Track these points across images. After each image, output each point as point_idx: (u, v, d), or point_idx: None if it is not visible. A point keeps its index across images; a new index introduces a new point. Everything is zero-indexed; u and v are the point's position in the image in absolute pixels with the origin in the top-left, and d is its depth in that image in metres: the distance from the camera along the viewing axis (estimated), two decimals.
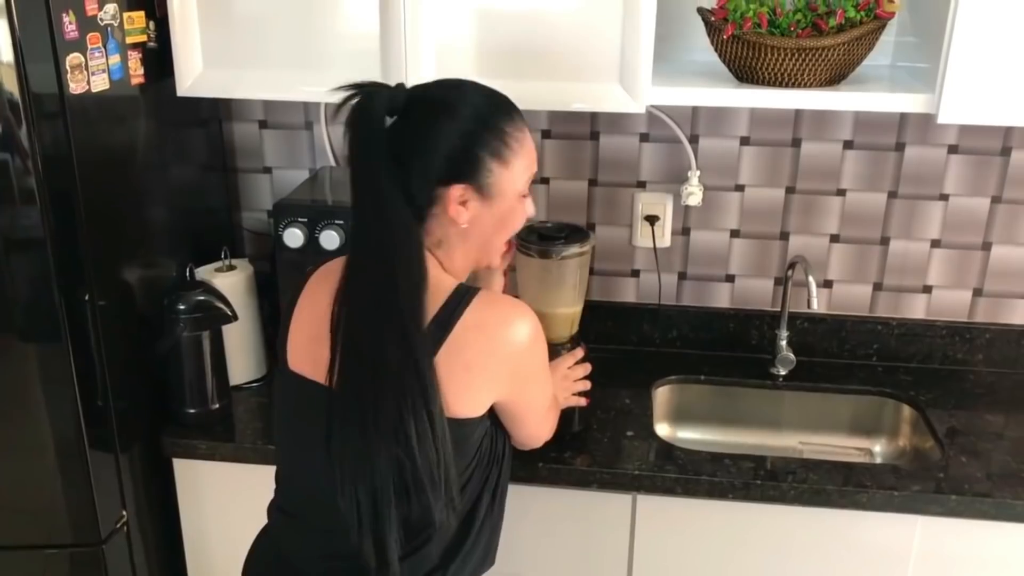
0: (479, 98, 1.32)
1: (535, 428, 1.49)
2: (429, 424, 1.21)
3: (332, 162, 2.14)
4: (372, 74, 1.72)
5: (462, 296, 1.28)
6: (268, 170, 2.18)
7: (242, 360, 1.90)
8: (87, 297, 1.56)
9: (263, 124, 2.15)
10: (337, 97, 1.26)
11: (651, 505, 1.69)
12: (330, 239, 1.77)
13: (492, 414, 1.38)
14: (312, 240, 1.77)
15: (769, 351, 2.10)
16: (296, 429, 1.37)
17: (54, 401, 1.57)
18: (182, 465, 1.79)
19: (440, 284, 1.29)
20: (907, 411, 1.98)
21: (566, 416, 1.75)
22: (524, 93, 1.46)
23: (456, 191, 1.28)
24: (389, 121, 1.27)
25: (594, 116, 2.04)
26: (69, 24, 1.47)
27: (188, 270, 1.82)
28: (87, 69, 1.52)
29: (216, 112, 2.11)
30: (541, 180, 2.10)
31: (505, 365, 1.30)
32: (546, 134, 2.07)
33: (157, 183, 1.81)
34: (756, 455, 1.75)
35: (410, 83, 1.70)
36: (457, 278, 1.35)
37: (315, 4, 1.69)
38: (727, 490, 1.65)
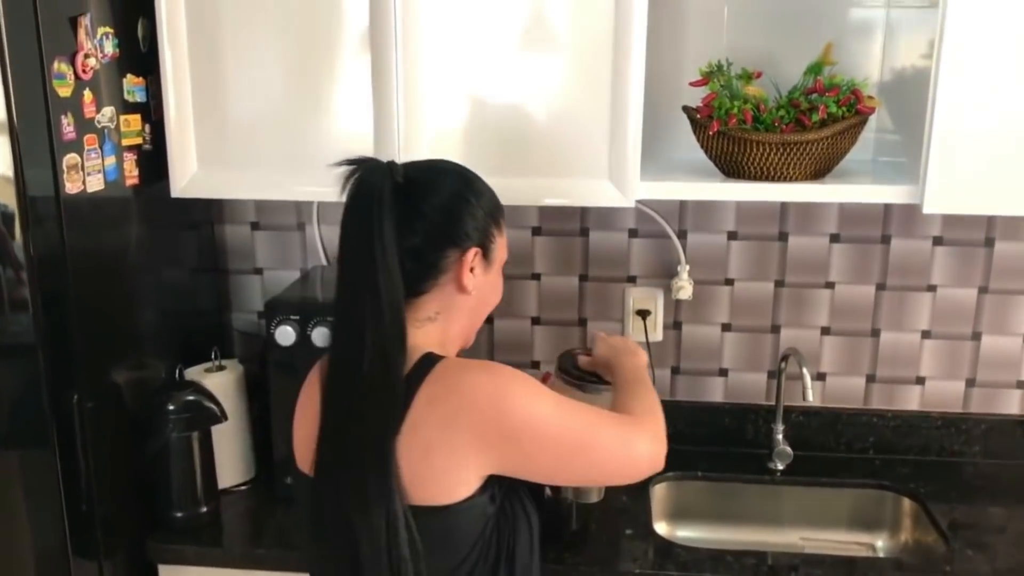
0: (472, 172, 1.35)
1: (603, 457, 1.23)
2: (386, 521, 1.13)
3: (323, 262, 2.15)
4: None
5: (424, 368, 1.20)
6: (259, 271, 2.19)
7: (230, 462, 1.87)
8: (75, 399, 1.53)
9: (255, 226, 2.16)
10: (338, 172, 1.23)
11: None
12: (322, 336, 1.75)
13: (511, 492, 1.24)
14: (304, 338, 1.76)
15: (765, 445, 2.08)
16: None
17: (37, 507, 1.53)
18: (168, 571, 1.74)
19: (412, 355, 1.22)
20: (908, 504, 1.95)
21: (563, 515, 1.72)
22: (515, 188, 1.48)
23: (471, 255, 1.27)
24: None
25: (584, 212, 2.07)
26: (67, 126, 1.49)
27: (178, 371, 1.80)
28: (83, 170, 1.54)
29: (208, 214, 2.13)
30: (532, 276, 2.11)
31: (474, 431, 1.16)
32: (536, 231, 2.09)
33: (148, 284, 1.81)
34: (758, 551, 1.71)
35: None
36: (448, 353, 1.30)
37: (308, 106, 1.72)
38: None
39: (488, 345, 2.16)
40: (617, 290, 2.10)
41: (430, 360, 1.21)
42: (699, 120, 1.73)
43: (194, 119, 1.75)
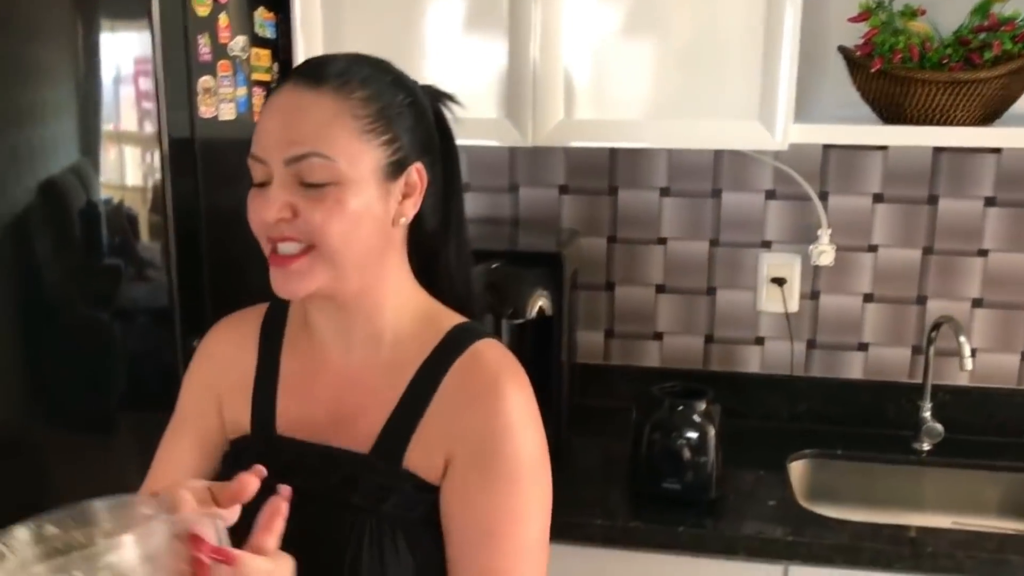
0: None
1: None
2: None
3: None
4: (502, 109, 1.68)
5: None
6: None
7: None
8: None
9: None
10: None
11: None
12: None
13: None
14: None
15: (908, 425, 1.92)
16: None
17: None
18: None
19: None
20: None
21: (703, 482, 1.60)
22: (652, 131, 1.38)
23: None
24: None
25: (717, 172, 1.96)
26: (204, 47, 1.44)
27: None
28: (216, 94, 1.49)
29: None
30: (658, 240, 2.01)
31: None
32: (664, 191, 1.98)
33: None
34: (918, 526, 1.57)
35: (542, 122, 1.65)
36: None
37: (436, 50, 1.66)
38: (893, 559, 1.47)
39: (608, 314, 2.06)
40: (750, 256, 1.98)
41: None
42: (857, 59, 1.62)
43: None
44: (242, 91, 1.58)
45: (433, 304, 1.05)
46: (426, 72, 1.67)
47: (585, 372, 2.05)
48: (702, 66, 1.60)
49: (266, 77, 1.67)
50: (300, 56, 1.68)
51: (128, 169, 1.43)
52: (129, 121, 1.40)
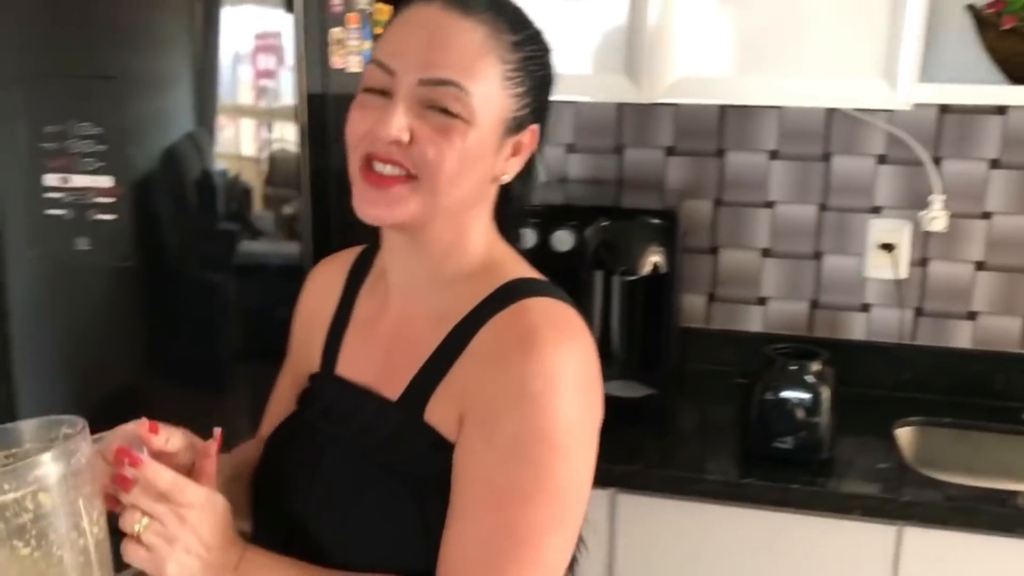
0: None
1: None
2: None
3: (541, 178, 2.08)
4: (618, 64, 1.69)
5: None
6: None
7: None
8: None
9: None
10: None
11: (919, 538, 1.50)
12: (562, 240, 1.69)
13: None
14: (543, 242, 1.70)
15: (1016, 397, 1.89)
16: None
17: None
18: None
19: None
20: None
21: (816, 442, 1.59)
22: (773, 88, 1.37)
23: None
24: None
25: (827, 135, 1.93)
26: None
27: None
28: (345, 46, 1.52)
29: None
30: (765, 204, 1.99)
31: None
32: (773, 154, 1.97)
33: None
34: None
35: (658, 77, 1.66)
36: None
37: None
38: (1015, 523, 1.45)
39: (711, 278, 2.05)
40: (859, 221, 1.96)
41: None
42: (987, 17, 1.59)
43: None
44: (367, 44, 1.60)
45: (506, 258, 0.98)
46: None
47: (686, 336, 2.05)
48: (822, 23, 1.59)
49: None
50: None
51: (244, 135, 1.49)
52: (246, 94, 1.46)
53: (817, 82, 1.61)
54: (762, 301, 2.05)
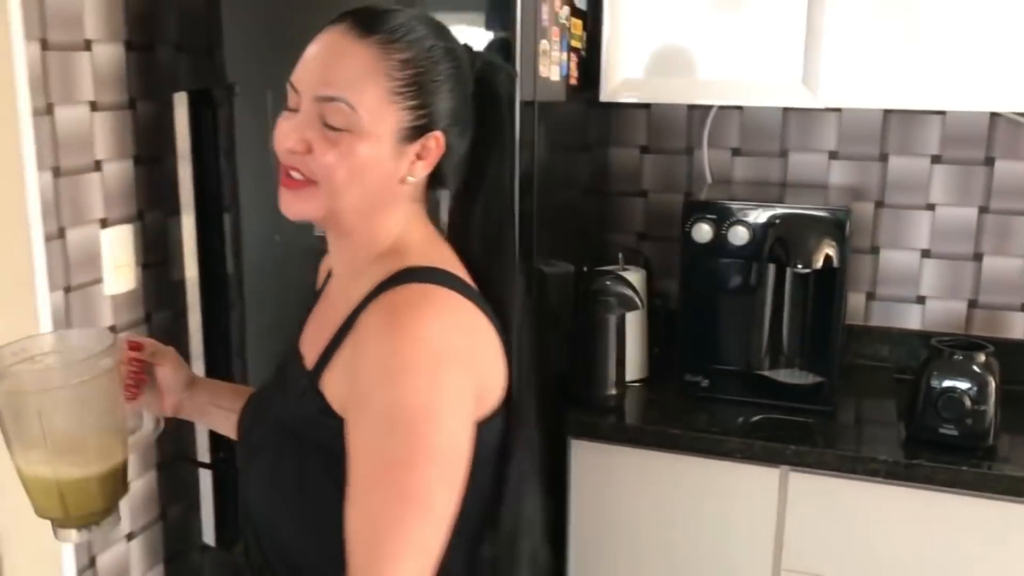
0: None
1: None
2: None
3: (708, 180, 2.21)
4: (791, 71, 1.80)
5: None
6: (644, 193, 2.29)
7: (631, 357, 1.96)
8: None
9: (644, 149, 2.27)
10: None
11: None
12: (738, 235, 1.81)
13: None
14: (720, 236, 1.83)
15: None
16: None
17: None
18: (579, 445, 1.85)
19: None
20: None
21: (979, 430, 1.68)
22: (952, 92, 1.48)
23: None
24: None
25: (991, 139, 2.01)
26: (545, 13, 1.64)
27: (586, 269, 1.93)
28: (549, 57, 1.69)
29: (606, 137, 2.26)
30: (926, 207, 2.08)
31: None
32: (936, 159, 2.05)
33: (556, 201, 1.86)
34: None
35: (832, 83, 1.76)
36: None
37: (731, 21, 1.80)
38: None
39: (871, 277, 2.14)
40: (1021, 224, 2.03)
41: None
42: None
43: (625, 30, 1.88)
44: (564, 56, 1.77)
45: (416, 247, 1.06)
46: (722, 35, 1.83)
47: (846, 332, 2.14)
48: (985, 27, 1.67)
49: (578, 44, 1.86)
50: (607, 28, 1.87)
51: None
52: None
53: (981, 86, 1.69)
54: (921, 300, 2.13)
